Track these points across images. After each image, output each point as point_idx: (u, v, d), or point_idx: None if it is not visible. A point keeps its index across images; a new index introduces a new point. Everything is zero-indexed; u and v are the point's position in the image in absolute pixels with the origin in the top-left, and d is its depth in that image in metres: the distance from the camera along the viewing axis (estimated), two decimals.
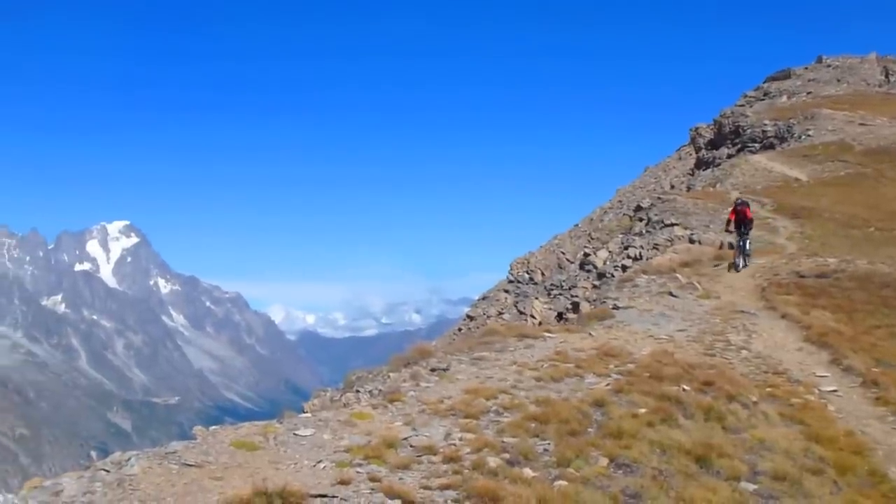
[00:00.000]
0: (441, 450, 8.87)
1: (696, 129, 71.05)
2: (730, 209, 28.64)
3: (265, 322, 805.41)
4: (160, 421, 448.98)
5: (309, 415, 11.23)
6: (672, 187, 63.12)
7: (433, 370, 13.68)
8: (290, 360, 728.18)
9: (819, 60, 77.26)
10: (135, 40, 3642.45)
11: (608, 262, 34.85)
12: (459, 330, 43.14)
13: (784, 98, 68.05)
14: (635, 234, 36.03)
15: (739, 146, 58.49)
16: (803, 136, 54.21)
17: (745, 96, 71.72)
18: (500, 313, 40.99)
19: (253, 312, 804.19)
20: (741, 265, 26.63)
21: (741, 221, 27.28)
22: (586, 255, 38.75)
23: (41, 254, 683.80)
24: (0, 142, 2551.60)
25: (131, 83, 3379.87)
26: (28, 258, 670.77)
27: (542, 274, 44.02)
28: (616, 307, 21.05)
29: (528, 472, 8.25)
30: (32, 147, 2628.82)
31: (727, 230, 28.22)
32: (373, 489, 7.56)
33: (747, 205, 27.99)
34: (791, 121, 57.98)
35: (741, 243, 26.98)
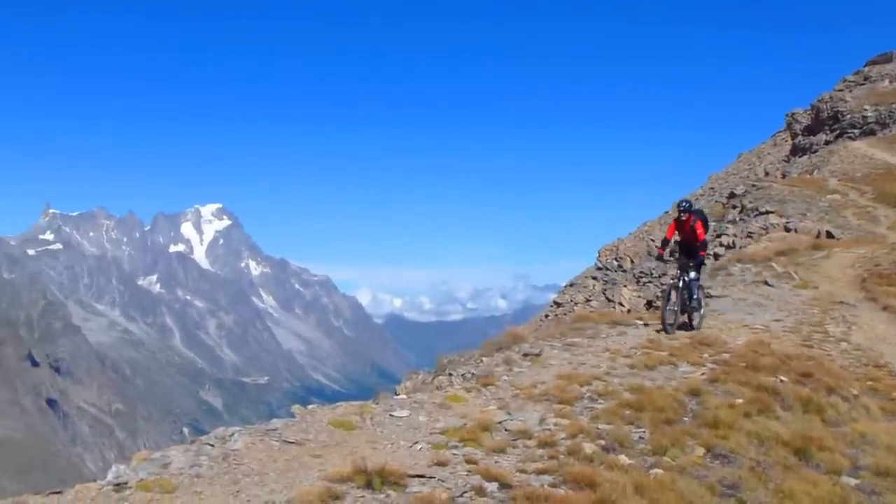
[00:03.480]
0: (536, 434, 8.92)
1: (793, 114, 69.32)
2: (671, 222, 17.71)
3: (352, 305, 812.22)
4: (250, 400, 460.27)
5: (404, 396, 11.38)
6: (766, 174, 61.78)
7: (525, 355, 13.73)
8: (376, 343, 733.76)
9: None
10: (225, 36, 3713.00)
11: None
12: (546, 316, 42.97)
13: (886, 82, 65.77)
14: (728, 222, 35.43)
15: (838, 132, 56.91)
16: None
17: (845, 81, 69.54)
18: (588, 300, 40.70)
19: (341, 295, 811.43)
20: (671, 324, 15.79)
21: (689, 243, 16.79)
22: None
23: (138, 235, 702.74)
24: (101, 129, 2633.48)
25: (229, 77, 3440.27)
26: (125, 239, 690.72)
27: (631, 261, 43.52)
28: (709, 296, 20.79)
29: (623, 459, 8.22)
30: (131, 133, 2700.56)
31: (661, 255, 18.22)
32: (469, 471, 7.60)
33: (702, 216, 17.03)
34: (893, 106, 56.12)
35: (683, 280, 16.40)
